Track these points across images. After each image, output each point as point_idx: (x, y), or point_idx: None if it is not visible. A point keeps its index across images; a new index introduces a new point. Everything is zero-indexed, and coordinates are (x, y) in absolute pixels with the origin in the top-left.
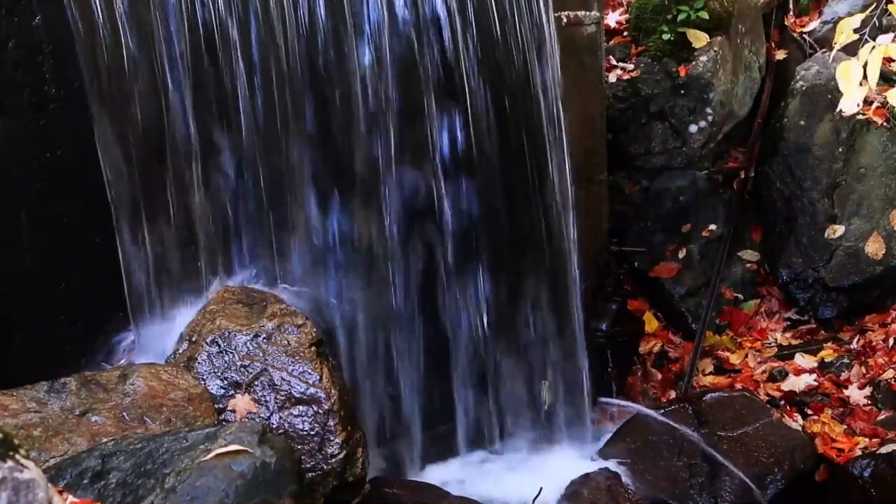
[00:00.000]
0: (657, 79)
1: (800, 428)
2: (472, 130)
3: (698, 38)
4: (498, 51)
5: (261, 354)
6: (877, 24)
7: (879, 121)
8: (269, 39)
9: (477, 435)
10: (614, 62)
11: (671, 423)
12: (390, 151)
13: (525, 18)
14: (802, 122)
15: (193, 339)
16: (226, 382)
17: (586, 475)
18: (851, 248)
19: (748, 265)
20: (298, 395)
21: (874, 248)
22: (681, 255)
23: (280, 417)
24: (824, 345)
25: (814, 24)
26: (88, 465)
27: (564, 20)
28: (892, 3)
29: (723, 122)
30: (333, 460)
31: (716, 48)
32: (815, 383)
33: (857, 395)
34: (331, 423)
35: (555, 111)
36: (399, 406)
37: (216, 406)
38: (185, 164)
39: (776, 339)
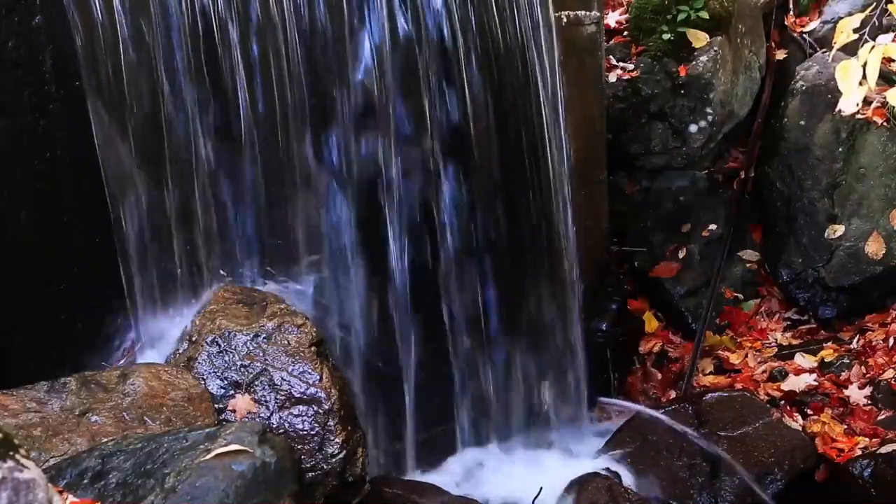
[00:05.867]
0: (657, 79)
1: (800, 428)
2: (472, 131)
3: (698, 38)
4: (498, 51)
5: (261, 354)
6: (877, 23)
7: (879, 121)
8: (269, 38)
9: (477, 435)
10: (614, 62)
11: (671, 422)
12: (390, 150)
13: (525, 18)
14: (802, 122)
15: (193, 338)
16: (226, 382)
17: (586, 475)
18: (851, 247)
19: (748, 265)
20: (298, 395)
21: (874, 247)
22: (681, 255)
23: (280, 417)
24: (824, 345)
25: (814, 24)
26: (88, 465)
27: (564, 20)
28: (892, 2)
29: (723, 122)
30: (333, 460)
31: (716, 48)
32: (815, 383)
33: (857, 394)
34: (331, 422)
35: (555, 111)
36: (399, 405)
37: (216, 406)
38: (185, 164)
39: (776, 339)
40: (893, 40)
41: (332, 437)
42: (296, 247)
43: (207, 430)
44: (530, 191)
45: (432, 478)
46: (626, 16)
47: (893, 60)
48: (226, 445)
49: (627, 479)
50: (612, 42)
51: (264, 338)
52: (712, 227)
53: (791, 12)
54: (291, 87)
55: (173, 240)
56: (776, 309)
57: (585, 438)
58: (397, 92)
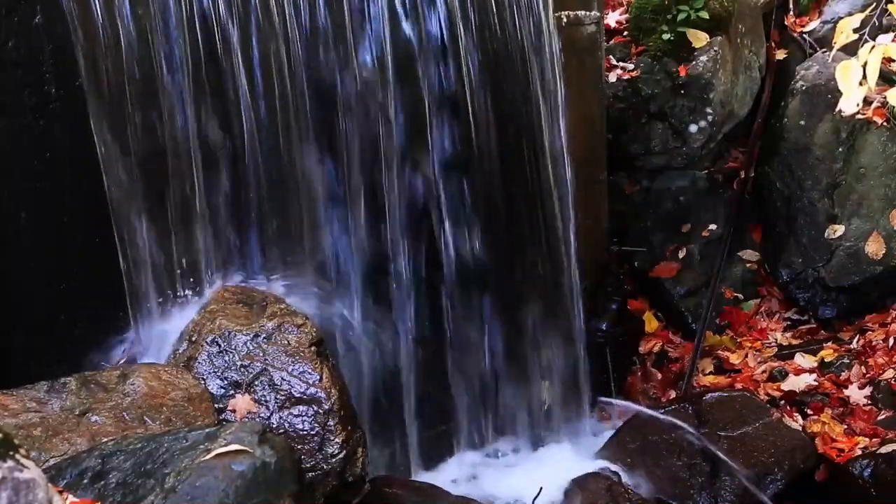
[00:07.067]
0: (657, 79)
1: (800, 428)
2: (472, 130)
3: (698, 38)
4: (498, 50)
5: (261, 354)
6: (877, 23)
7: (879, 121)
8: (269, 39)
9: (477, 435)
10: (614, 62)
11: (671, 422)
12: (391, 150)
13: (525, 18)
14: (802, 122)
15: (193, 338)
16: (226, 382)
17: (586, 475)
18: (851, 247)
19: (748, 265)
20: (298, 395)
21: (874, 247)
22: (681, 255)
23: (280, 417)
24: (824, 345)
25: (814, 24)
26: (88, 465)
27: (564, 20)
28: (892, 2)
29: (723, 122)
30: (333, 460)
31: (716, 48)
32: (815, 383)
33: (857, 394)
34: (331, 422)
35: (555, 111)
36: (399, 405)
37: (216, 406)
38: (185, 164)
39: (776, 339)
40: (893, 40)
41: (332, 437)
42: (296, 246)
43: (207, 430)
44: (530, 191)
45: (432, 478)
46: (626, 16)
47: (893, 60)
48: (226, 445)
49: (627, 478)
50: (612, 42)
51: (264, 338)
52: (712, 227)
53: (791, 12)
54: (292, 87)
55: (173, 239)
56: (776, 309)
57: (585, 438)
58: (397, 92)
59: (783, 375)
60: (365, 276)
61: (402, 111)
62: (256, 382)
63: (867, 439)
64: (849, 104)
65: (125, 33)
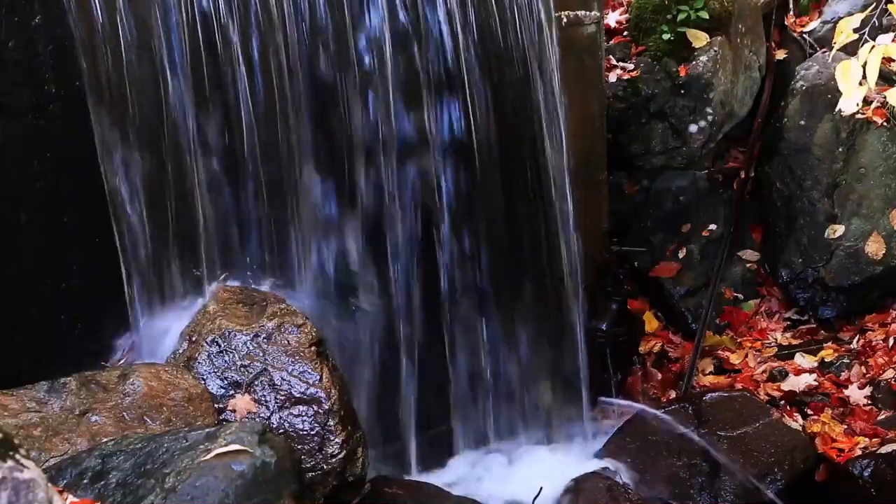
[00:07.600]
0: (657, 79)
1: (800, 428)
2: (472, 130)
3: (698, 38)
4: (498, 51)
5: (261, 354)
6: (877, 23)
7: (879, 121)
8: (269, 37)
9: (476, 434)
10: (614, 62)
11: (671, 422)
12: (391, 148)
13: (525, 18)
14: (802, 122)
15: (193, 338)
16: (226, 382)
17: (586, 475)
18: (851, 247)
19: (748, 265)
20: (298, 395)
21: (874, 248)
22: (681, 255)
23: (280, 417)
24: (824, 345)
25: (814, 24)
26: (88, 465)
27: (564, 20)
28: (892, 3)
29: (723, 121)
30: (333, 460)
31: (716, 48)
32: (815, 383)
33: (857, 394)
34: (331, 422)
35: (555, 111)
36: (399, 405)
37: (216, 406)
38: (185, 164)
39: (776, 339)
40: (893, 40)
41: (332, 437)
42: (297, 245)
43: (207, 430)
44: (530, 191)
45: (432, 478)
46: (626, 16)
47: (893, 60)
48: (226, 445)
49: (627, 478)
50: (612, 42)
51: (264, 338)
52: (712, 227)
53: (791, 12)
54: (292, 87)
55: (173, 240)
56: (776, 309)
57: (585, 438)
58: (397, 91)
59: (783, 375)
60: (363, 274)
61: (402, 110)
62: (256, 382)
63: (867, 439)
64: (849, 104)
65: (125, 33)
